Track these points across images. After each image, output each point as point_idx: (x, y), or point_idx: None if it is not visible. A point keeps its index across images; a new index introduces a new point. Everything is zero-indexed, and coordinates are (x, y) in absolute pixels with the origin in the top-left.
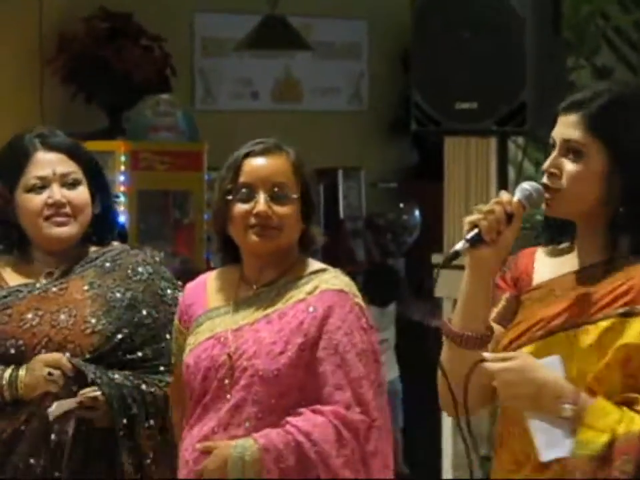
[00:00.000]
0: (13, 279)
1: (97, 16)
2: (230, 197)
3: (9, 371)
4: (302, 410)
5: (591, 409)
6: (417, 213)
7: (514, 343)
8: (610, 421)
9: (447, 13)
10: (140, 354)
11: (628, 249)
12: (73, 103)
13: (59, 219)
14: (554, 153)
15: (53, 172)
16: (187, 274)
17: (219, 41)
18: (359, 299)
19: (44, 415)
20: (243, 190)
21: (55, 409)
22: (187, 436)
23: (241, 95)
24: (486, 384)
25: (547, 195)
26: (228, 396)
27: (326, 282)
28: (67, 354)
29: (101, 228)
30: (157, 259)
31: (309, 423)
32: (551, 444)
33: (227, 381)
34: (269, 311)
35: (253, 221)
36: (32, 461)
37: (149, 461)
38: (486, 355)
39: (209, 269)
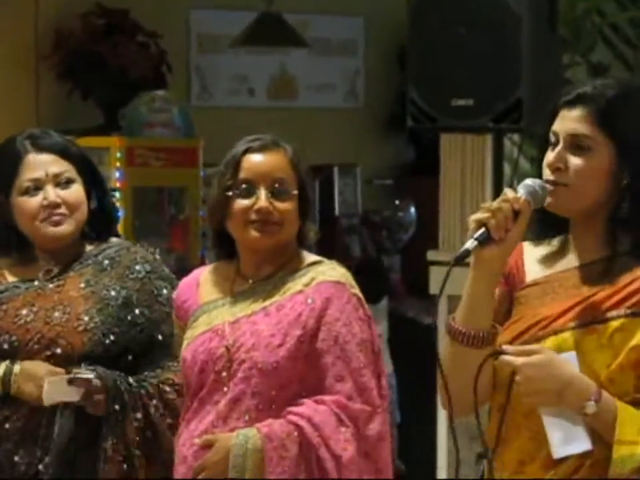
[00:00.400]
0: (13, 275)
1: (93, 12)
2: (230, 193)
3: (3, 367)
4: (304, 400)
5: (619, 422)
6: (412, 209)
7: (516, 342)
8: (638, 431)
9: (443, 9)
10: (130, 353)
11: (630, 245)
12: (69, 99)
13: (55, 218)
14: (558, 148)
15: (46, 173)
16: (183, 270)
17: (214, 38)
18: (355, 290)
19: (30, 412)
20: (244, 186)
21: (49, 392)
22: (184, 431)
23: (237, 91)
24: (486, 382)
25: (551, 189)
26: (225, 388)
27: (323, 273)
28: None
29: (99, 224)
30: (157, 256)
31: (310, 409)
32: (566, 440)
33: (224, 374)
34: (267, 303)
35: (253, 216)
36: (16, 458)
37: (137, 453)
38: (506, 347)
39: (204, 265)
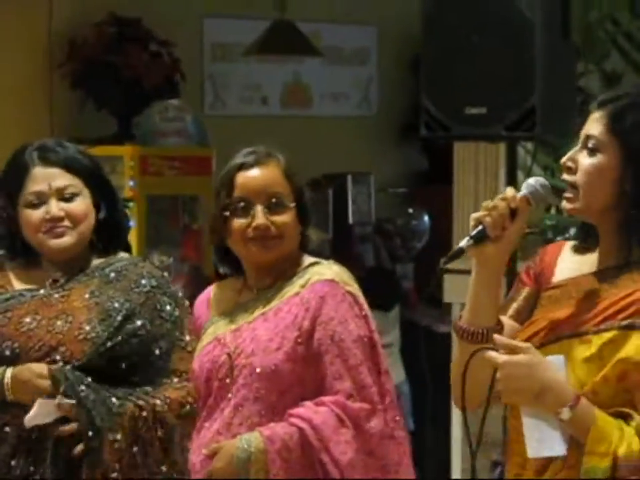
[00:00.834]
0: (20, 284)
1: (106, 22)
2: (227, 213)
3: (0, 372)
4: (305, 402)
5: (592, 433)
6: (426, 218)
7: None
8: (610, 444)
9: (455, 18)
10: (125, 365)
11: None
12: (82, 108)
13: (58, 231)
14: (575, 148)
15: (49, 187)
16: (196, 279)
17: (228, 46)
18: (350, 287)
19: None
20: (240, 204)
21: (36, 414)
22: (195, 439)
23: (250, 100)
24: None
25: (566, 192)
26: (229, 395)
27: (317, 274)
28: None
29: (106, 235)
30: (165, 274)
31: (310, 411)
32: (542, 442)
33: (227, 380)
34: (266, 309)
35: (252, 234)
36: (13, 462)
37: (115, 474)
38: (496, 337)
39: (217, 273)
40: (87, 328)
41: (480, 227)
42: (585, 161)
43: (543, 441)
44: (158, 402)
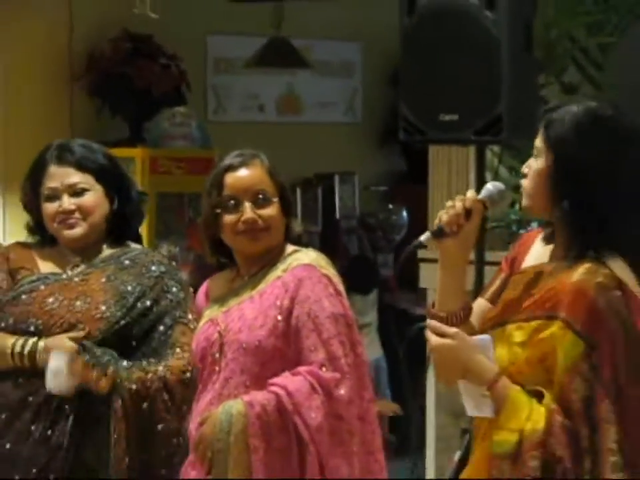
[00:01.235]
0: (45, 267)
1: (121, 37)
2: (218, 210)
3: (31, 341)
4: (283, 373)
5: (505, 407)
6: (404, 213)
7: (485, 327)
8: (519, 420)
9: (431, 36)
10: (135, 342)
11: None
12: (99, 114)
13: (69, 222)
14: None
15: (62, 183)
16: (200, 267)
17: (229, 60)
18: (326, 271)
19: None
20: (230, 202)
21: (50, 373)
22: (193, 409)
23: (249, 107)
24: None
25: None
26: (218, 368)
27: (297, 259)
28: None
29: (118, 225)
30: (173, 262)
31: (287, 379)
32: (475, 405)
33: (217, 355)
34: (253, 292)
35: (242, 227)
36: (33, 427)
37: (114, 438)
38: (429, 322)
39: (219, 262)
40: (103, 308)
41: (438, 224)
42: (533, 164)
43: (476, 404)
44: (160, 368)
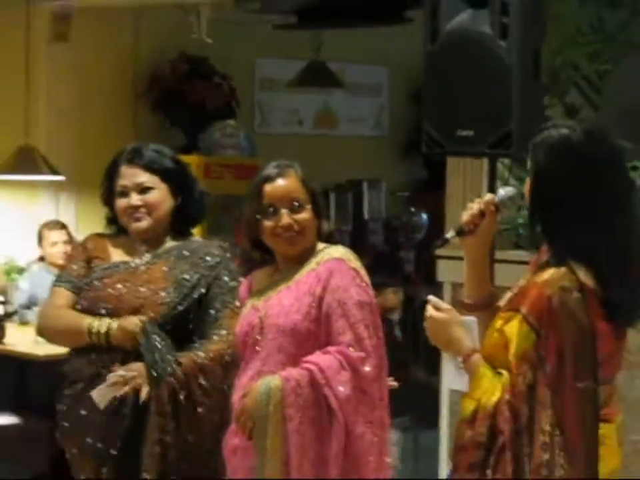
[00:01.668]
0: (116, 256)
1: (179, 59)
2: (259, 216)
3: (105, 322)
4: (315, 352)
5: (473, 379)
6: (424, 216)
7: (502, 310)
8: (480, 391)
9: (451, 61)
10: (191, 325)
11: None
12: (160, 127)
13: (136, 216)
14: None
15: (131, 182)
16: (246, 260)
17: (273, 80)
18: (354, 264)
19: (122, 361)
20: (269, 209)
21: (100, 396)
22: (237, 383)
23: (289, 121)
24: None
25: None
26: (258, 348)
27: (328, 254)
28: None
29: (181, 219)
30: (228, 254)
31: (319, 357)
32: (454, 378)
33: (258, 337)
34: (290, 283)
35: (279, 231)
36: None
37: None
38: (430, 297)
39: (261, 256)
40: (163, 294)
41: (460, 223)
42: (526, 183)
43: (455, 377)
44: (201, 354)
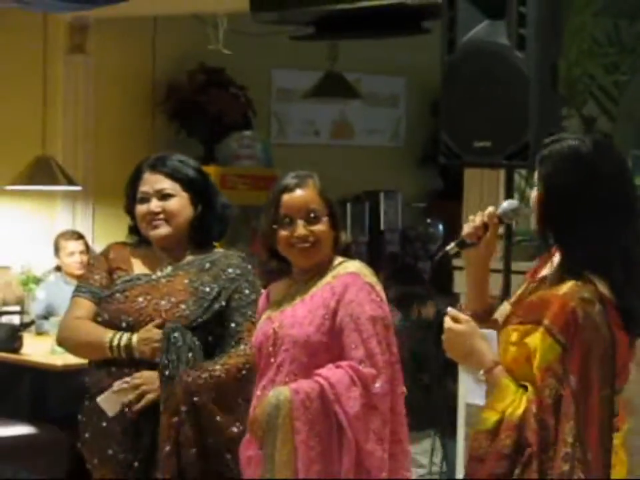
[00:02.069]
0: (138, 268)
1: (197, 70)
2: (275, 226)
3: (125, 336)
4: (327, 365)
5: (495, 391)
6: (440, 226)
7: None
8: (504, 403)
9: (468, 72)
10: (211, 335)
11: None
12: (177, 136)
13: (155, 223)
14: None
15: (152, 188)
16: (264, 271)
17: (289, 90)
18: (369, 279)
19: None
20: (285, 219)
21: (107, 404)
22: (254, 394)
23: (306, 132)
24: None
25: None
26: (272, 359)
27: (344, 268)
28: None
29: (200, 230)
30: (249, 265)
31: (329, 371)
32: (471, 392)
33: (271, 348)
34: (305, 295)
35: (295, 241)
36: (125, 410)
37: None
38: (449, 309)
39: (278, 266)
40: (183, 307)
41: (461, 236)
42: (532, 195)
43: (472, 392)
44: (218, 367)
